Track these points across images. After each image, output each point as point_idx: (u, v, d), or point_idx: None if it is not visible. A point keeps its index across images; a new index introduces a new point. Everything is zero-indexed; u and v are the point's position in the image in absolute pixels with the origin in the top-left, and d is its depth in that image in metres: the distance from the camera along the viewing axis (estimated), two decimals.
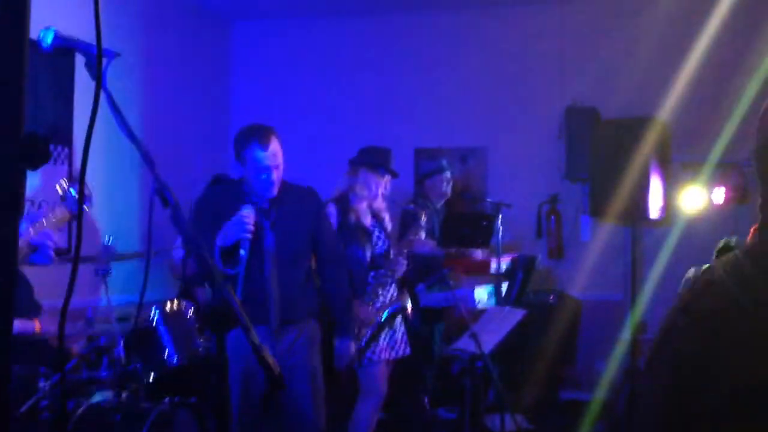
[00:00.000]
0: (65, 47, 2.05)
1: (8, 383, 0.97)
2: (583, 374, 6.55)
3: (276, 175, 3.74)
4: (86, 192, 2.45)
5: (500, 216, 5.47)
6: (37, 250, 2.27)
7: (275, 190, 3.75)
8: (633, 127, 5.98)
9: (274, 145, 3.75)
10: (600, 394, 6.35)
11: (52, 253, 2.29)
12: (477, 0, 6.96)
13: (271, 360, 1.80)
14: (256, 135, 3.75)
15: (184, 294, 5.03)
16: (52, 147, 5.06)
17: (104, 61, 1.99)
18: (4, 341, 0.98)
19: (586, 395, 6.41)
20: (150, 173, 1.91)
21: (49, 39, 2.07)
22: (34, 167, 1.00)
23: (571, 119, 6.73)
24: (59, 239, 2.29)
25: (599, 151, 6.39)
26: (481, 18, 7.13)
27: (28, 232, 2.25)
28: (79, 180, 1.54)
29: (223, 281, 1.78)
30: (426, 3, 6.98)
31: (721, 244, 4.54)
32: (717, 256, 4.35)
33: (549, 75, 6.91)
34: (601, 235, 6.73)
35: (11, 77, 1.00)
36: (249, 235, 3.54)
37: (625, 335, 6.05)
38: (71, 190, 2.48)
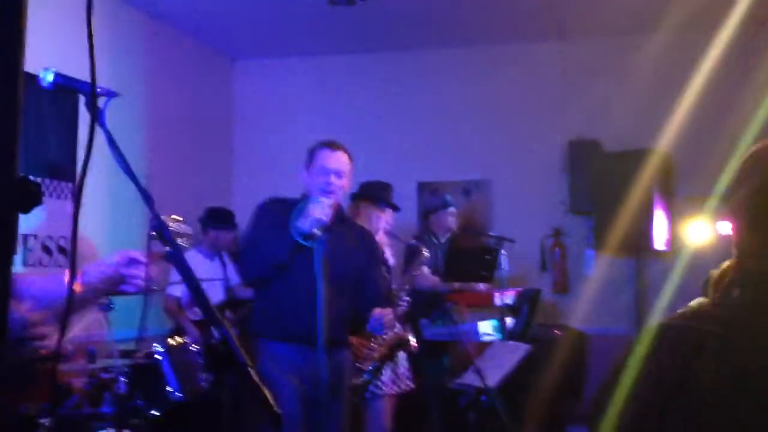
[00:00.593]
0: (65, 87, 2.07)
1: None
2: (591, 409, 6.48)
3: (338, 185, 3.72)
4: (186, 230, 2.46)
5: (503, 250, 5.46)
6: (125, 280, 2.30)
7: (333, 200, 3.66)
8: (635, 159, 5.99)
9: (344, 156, 3.82)
10: (608, 428, 6.30)
11: (140, 283, 2.32)
12: (478, 37, 7.00)
13: (271, 399, 1.79)
14: (329, 141, 3.88)
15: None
16: (56, 182, 5.10)
17: (103, 100, 2.02)
18: None
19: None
20: (149, 211, 1.91)
21: (49, 78, 2.09)
22: (26, 211, 1.01)
23: (573, 152, 6.75)
24: (153, 273, 2.31)
25: (602, 184, 6.41)
26: (482, 54, 7.19)
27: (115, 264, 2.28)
28: (73, 217, 1.54)
29: (221, 322, 1.77)
30: (428, 40, 7.03)
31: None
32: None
33: (550, 108, 6.94)
34: (607, 268, 6.71)
35: (5, 126, 1.01)
36: (327, 220, 3.49)
37: (633, 368, 6.01)
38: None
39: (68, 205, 5.17)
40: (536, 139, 7.00)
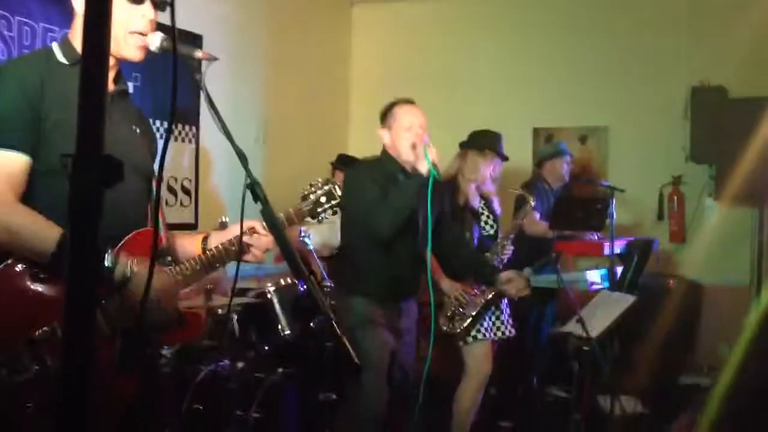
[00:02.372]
0: (169, 51, 2.21)
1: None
2: (704, 359, 6.40)
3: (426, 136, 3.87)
4: (337, 193, 2.63)
5: (614, 200, 5.39)
6: (247, 249, 2.46)
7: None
8: (761, 107, 5.75)
9: (421, 111, 3.97)
10: (722, 379, 6.21)
11: (260, 254, 2.48)
12: None
13: (351, 350, 1.91)
14: (405, 98, 4.01)
15: None
16: (181, 126, 5.37)
17: (204, 63, 2.16)
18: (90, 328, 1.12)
19: (707, 381, 6.29)
20: (243, 169, 2.03)
21: (154, 43, 2.24)
22: (110, 186, 1.13)
23: (697, 99, 6.51)
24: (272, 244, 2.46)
25: (726, 133, 6.19)
26: None
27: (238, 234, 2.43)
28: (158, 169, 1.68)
29: (309, 277, 1.90)
30: None
31: None
32: None
33: (675, 53, 6.70)
34: (726, 219, 6.51)
35: (90, 109, 1.13)
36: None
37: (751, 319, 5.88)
38: (318, 191, 2.62)
39: (192, 148, 5.45)
40: (658, 84, 6.79)
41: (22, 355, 2.03)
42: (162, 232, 2.42)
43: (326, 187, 2.58)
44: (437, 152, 3.70)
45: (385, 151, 3.99)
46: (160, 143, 2.30)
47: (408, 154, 3.81)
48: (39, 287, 2.13)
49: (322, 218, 2.60)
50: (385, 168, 3.91)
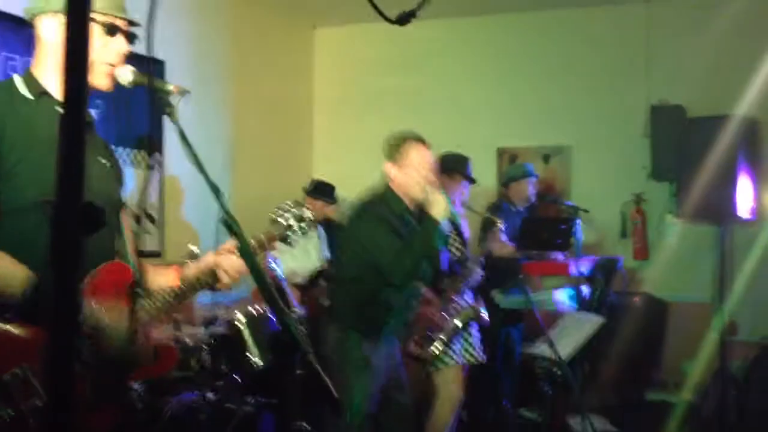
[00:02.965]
0: (141, 84, 2.20)
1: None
2: (669, 376, 6.46)
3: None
4: (306, 214, 2.62)
5: (578, 219, 5.44)
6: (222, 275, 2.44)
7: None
8: (720, 125, 5.85)
9: (429, 149, 3.95)
10: (687, 395, 6.28)
11: (236, 278, 2.45)
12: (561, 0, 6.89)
13: (331, 385, 1.89)
14: (418, 136, 3.94)
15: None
16: (143, 153, 5.32)
17: (177, 97, 2.14)
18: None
19: (673, 397, 6.35)
20: (217, 202, 2.02)
21: (126, 78, 2.23)
22: (91, 233, 1.12)
23: (656, 118, 6.63)
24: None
25: (686, 150, 6.29)
26: (565, 16, 7.09)
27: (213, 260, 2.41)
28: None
29: (285, 312, 1.88)
30: (509, 3, 6.96)
31: None
32: None
33: (635, 73, 6.82)
34: (689, 235, 6.61)
35: (71, 160, 1.11)
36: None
37: (713, 337, 5.95)
38: (287, 215, 2.61)
39: (155, 175, 5.40)
40: (619, 103, 6.89)
41: None
42: (132, 264, 2.39)
43: (295, 210, 2.58)
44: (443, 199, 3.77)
45: (388, 188, 3.90)
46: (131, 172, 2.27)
47: (418, 195, 3.79)
48: (5, 328, 2.08)
49: (292, 241, 2.61)
50: (392, 209, 3.85)
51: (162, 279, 2.51)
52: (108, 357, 2.13)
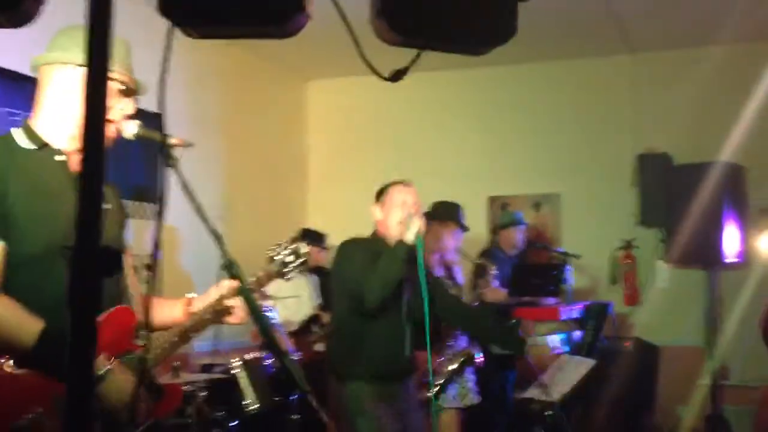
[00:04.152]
0: (145, 138, 2.29)
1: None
2: (663, 420, 6.49)
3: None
4: (304, 249, 2.69)
5: (569, 266, 5.53)
6: (229, 311, 2.50)
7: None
8: (706, 171, 5.98)
9: (414, 190, 3.99)
10: None
11: (242, 314, 2.48)
12: (545, 52, 7.06)
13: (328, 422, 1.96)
14: (400, 179, 4.03)
15: None
16: (138, 204, 5.41)
17: (179, 149, 2.23)
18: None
19: None
20: (218, 248, 2.09)
21: (131, 131, 2.32)
22: (109, 276, 1.20)
23: (644, 165, 6.75)
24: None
25: (673, 196, 6.41)
26: (553, 68, 7.26)
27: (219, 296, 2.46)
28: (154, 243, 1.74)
29: (284, 353, 1.95)
30: (492, 56, 7.06)
31: None
32: None
33: (621, 122, 6.98)
34: (678, 281, 6.70)
35: (90, 201, 1.19)
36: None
37: (706, 381, 6.01)
38: (284, 252, 2.68)
39: (151, 225, 5.48)
40: (605, 152, 7.04)
41: None
42: (135, 306, 2.45)
43: (292, 246, 2.64)
44: (422, 225, 3.77)
45: (375, 232, 3.99)
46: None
47: (396, 228, 3.85)
48: (19, 374, 2.12)
49: (290, 277, 2.67)
50: (374, 246, 3.90)
51: (168, 312, 2.57)
52: (106, 409, 2.18)
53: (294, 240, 2.68)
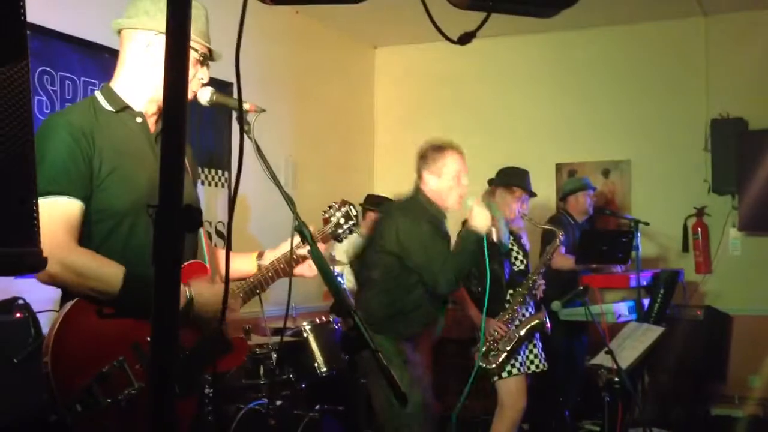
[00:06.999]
0: (219, 104, 2.36)
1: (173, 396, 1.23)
2: (734, 390, 6.41)
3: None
4: (353, 214, 2.84)
5: (638, 232, 5.47)
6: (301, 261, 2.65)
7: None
8: None
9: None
10: (752, 410, 6.22)
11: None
12: (619, 16, 6.93)
13: (396, 380, 2.00)
14: (454, 145, 4.03)
15: None
16: (213, 171, 5.53)
17: (252, 115, 2.29)
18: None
19: (738, 411, 6.30)
20: (291, 212, 2.15)
21: (206, 98, 2.39)
22: (191, 231, 1.26)
23: (717, 131, 6.62)
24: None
25: (747, 163, 6.29)
26: (624, 31, 7.13)
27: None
28: (228, 209, 1.80)
29: (354, 311, 2.00)
30: (567, 21, 7.01)
31: None
32: None
33: (694, 86, 6.82)
34: (752, 248, 6.58)
35: (173, 162, 1.25)
36: None
37: None
38: (337, 213, 2.83)
39: (223, 192, 5.60)
40: (678, 117, 6.90)
41: (94, 389, 2.14)
42: (208, 264, 2.55)
43: (344, 209, 2.76)
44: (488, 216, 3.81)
45: (423, 194, 4.00)
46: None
47: (454, 205, 3.90)
48: (105, 324, 2.23)
49: (342, 239, 2.85)
50: (430, 214, 3.94)
51: (240, 264, 2.72)
52: (200, 335, 2.30)
53: (344, 203, 2.78)
